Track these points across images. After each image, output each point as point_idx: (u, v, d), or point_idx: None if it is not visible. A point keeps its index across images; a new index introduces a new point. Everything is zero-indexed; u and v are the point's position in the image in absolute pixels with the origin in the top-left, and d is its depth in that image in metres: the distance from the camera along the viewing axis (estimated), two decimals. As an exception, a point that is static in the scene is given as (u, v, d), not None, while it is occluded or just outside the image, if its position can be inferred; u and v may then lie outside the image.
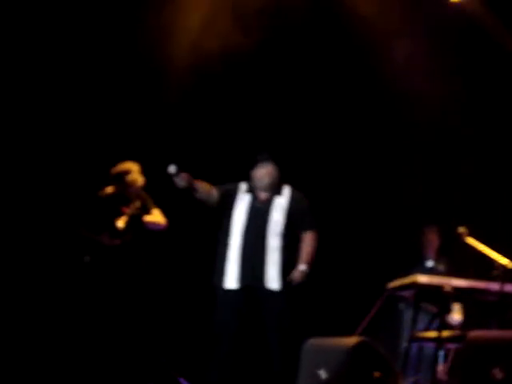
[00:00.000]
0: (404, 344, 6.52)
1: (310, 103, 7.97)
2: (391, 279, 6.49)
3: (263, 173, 5.85)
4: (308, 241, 5.83)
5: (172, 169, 5.52)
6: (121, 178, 6.75)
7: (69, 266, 6.98)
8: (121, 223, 6.68)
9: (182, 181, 5.58)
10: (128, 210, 6.71)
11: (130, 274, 6.71)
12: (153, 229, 6.82)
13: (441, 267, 7.03)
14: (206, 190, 5.80)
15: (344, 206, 8.01)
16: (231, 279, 5.68)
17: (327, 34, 7.67)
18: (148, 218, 6.78)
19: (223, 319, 5.64)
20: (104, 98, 7.57)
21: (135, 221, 6.72)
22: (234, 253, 5.71)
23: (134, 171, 6.77)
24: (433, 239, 7.19)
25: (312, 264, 5.81)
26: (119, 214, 6.72)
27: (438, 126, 7.48)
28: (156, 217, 6.82)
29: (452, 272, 6.71)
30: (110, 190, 6.84)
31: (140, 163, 6.78)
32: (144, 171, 6.78)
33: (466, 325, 5.93)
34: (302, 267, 5.73)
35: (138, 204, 6.74)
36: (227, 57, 7.29)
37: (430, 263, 7.17)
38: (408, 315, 6.73)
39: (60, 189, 7.43)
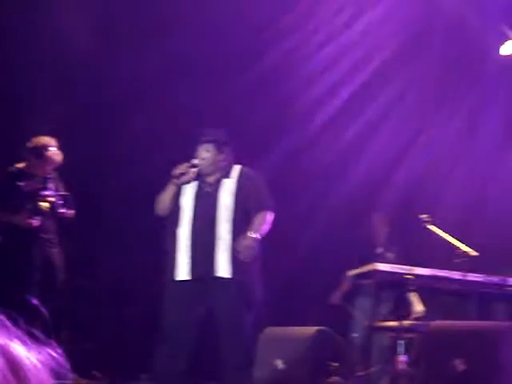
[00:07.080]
0: (355, 334, 6.36)
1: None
2: (346, 267, 6.30)
3: (202, 155, 5.51)
4: (260, 216, 5.38)
5: (196, 161, 5.41)
6: (40, 152, 6.20)
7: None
8: (46, 203, 6.20)
9: (191, 177, 5.39)
10: (51, 191, 6.24)
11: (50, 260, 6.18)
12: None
13: (390, 255, 6.92)
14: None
15: (296, 195, 7.80)
16: (182, 270, 5.36)
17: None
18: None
19: (175, 310, 5.32)
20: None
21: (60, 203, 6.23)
22: (183, 243, 5.37)
23: (53, 146, 6.25)
24: (380, 226, 7.08)
25: (262, 236, 5.29)
26: (38, 193, 6.14)
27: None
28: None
29: (402, 260, 6.63)
30: (21, 165, 6.28)
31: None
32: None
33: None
34: (249, 233, 5.25)
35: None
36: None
37: (379, 249, 7.05)
38: (361, 303, 6.60)
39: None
